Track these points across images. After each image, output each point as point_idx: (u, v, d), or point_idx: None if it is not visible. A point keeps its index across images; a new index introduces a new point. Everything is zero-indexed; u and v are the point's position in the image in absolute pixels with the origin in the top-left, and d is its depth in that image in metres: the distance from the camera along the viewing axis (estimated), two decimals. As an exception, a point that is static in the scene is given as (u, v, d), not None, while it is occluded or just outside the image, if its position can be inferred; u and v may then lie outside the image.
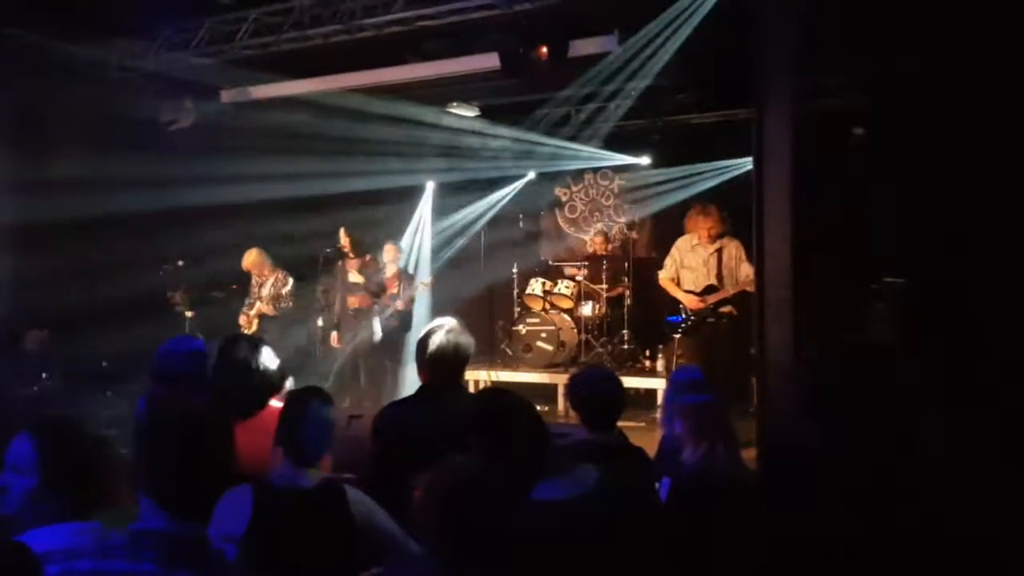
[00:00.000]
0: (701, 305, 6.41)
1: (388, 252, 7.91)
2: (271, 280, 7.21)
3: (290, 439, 2.43)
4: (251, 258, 7.26)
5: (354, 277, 7.55)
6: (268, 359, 3.02)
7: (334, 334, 7.47)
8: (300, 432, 2.43)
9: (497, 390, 6.55)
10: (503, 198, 9.90)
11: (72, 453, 1.92)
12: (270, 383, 3.02)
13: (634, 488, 2.62)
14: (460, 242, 9.77)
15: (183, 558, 1.64)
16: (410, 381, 7.12)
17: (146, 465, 1.73)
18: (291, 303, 7.21)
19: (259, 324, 7.13)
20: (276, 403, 2.95)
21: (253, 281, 7.35)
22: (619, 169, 9.64)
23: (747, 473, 3.05)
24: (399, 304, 7.65)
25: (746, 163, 7.36)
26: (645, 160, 9.27)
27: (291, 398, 2.61)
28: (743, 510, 2.57)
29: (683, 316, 6.54)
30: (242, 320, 7.17)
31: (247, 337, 3.12)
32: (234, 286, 7.72)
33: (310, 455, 2.44)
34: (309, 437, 2.43)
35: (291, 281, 7.23)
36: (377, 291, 7.50)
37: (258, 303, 7.21)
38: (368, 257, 7.58)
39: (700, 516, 2.65)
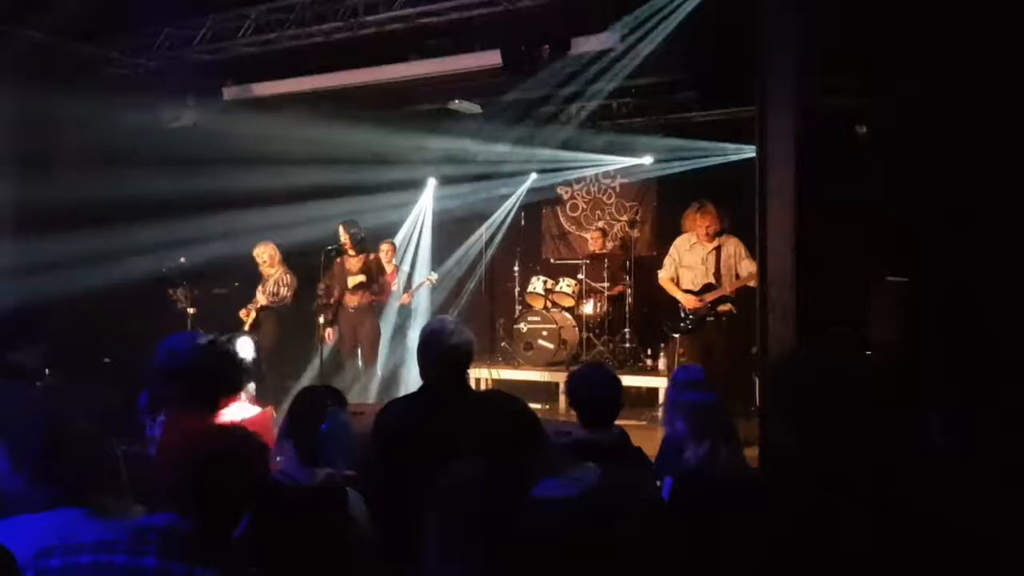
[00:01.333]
0: (699, 304, 6.41)
1: (384, 250, 7.92)
2: (276, 274, 7.23)
3: (302, 439, 2.42)
4: (266, 249, 7.26)
5: (353, 275, 7.54)
6: (227, 361, 3.03)
7: (328, 330, 7.44)
8: (314, 434, 2.42)
9: (490, 391, 6.59)
10: (507, 214, 9.90)
11: (61, 446, 1.94)
12: (229, 382, 3.04)
13: (636, 487, 2.61)
14: (471, 286, 9.75)
15: (183, 552, 1.65)
16: (412, 379, 7.12)
17: (193, 490, 1.78)
18: (288, 297, 7.19)
19: (255, 316, 7.14)
20: (236, 406, 2.99)
21: (261, 274, 7.37)
22: (620, 167, 9.65)
23: (749, 472, 3.05)
24: (404, 298, 7.69)
25: (748, 149, 7.33)
26: (647, 160, 9.27)
27: (309, 397, 2.60)
28: (745, 509, 2.56)
29: (684, 313, 6.53)
30: (242, 313, 7.19)
31: (220, 338, 3.12)
32: (236, 283, 7.72)
33: (319, 456, 2.43)
34: (324, 440, 2.42)
35: (292, 276, 7.22)
36: (379, 291, 7.50)
37: (259, 295, 7.24)
38: (372, 256, 7.57)
39: (702, 515, 2.64)
